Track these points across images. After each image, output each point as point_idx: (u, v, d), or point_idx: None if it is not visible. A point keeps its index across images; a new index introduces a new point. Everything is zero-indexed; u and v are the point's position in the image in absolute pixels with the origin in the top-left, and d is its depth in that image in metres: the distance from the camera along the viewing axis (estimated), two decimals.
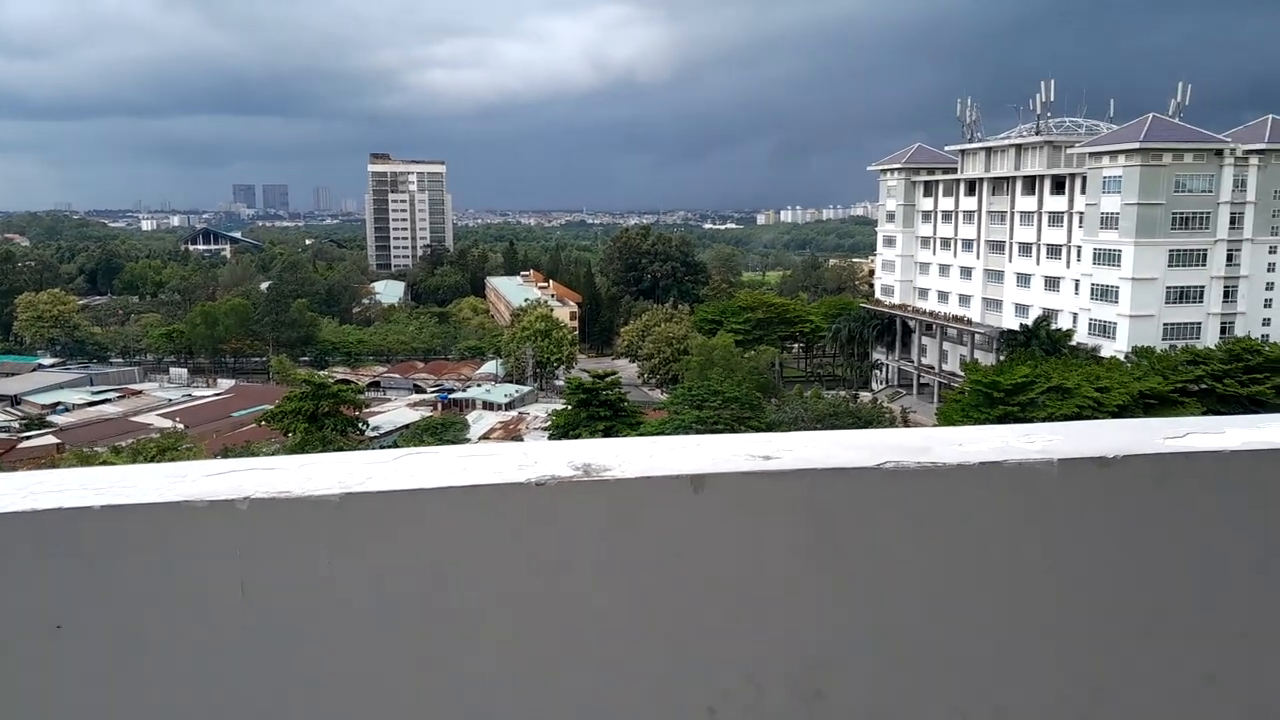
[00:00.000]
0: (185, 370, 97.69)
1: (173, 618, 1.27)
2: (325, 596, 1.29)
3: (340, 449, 46.12)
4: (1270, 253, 71.12)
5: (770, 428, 51.07)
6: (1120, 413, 50.15)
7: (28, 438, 60.24)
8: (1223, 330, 68.77)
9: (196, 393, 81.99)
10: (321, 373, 76.11)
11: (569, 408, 55.57)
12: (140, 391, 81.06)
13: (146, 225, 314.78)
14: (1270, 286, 71.37)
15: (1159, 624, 1.44)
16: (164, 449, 48.77)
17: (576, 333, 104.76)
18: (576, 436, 48.07)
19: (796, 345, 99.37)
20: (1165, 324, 68.92)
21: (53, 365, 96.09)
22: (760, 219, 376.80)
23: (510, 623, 1.32)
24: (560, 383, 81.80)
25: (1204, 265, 70.12)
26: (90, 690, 1.27)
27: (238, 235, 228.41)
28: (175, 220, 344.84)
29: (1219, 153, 70.04)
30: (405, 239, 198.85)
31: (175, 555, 1.26)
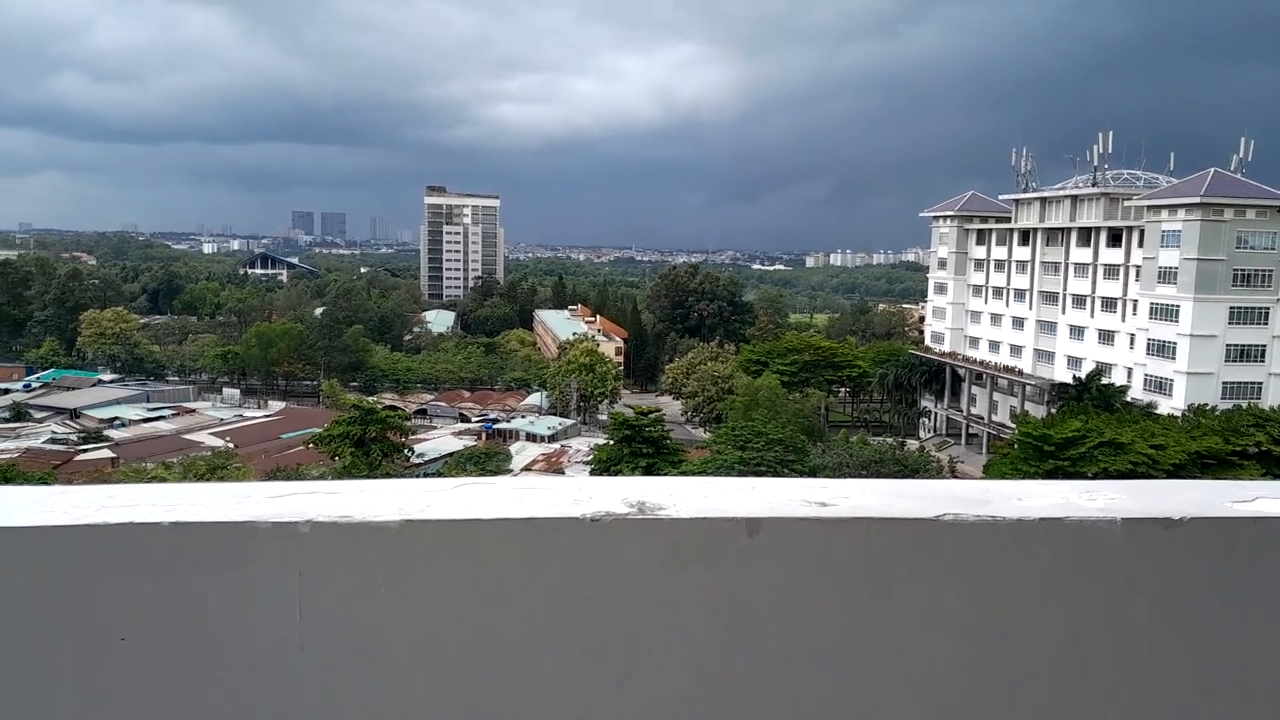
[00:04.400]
0: (238, 391, 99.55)
1: (233, 636, 1.29)
2: (381, 621, 1.30)
3: (386, 474, 46.62)
4: None
5: (814, 472, 50.57)
6: (1176, 472, 48.84)
7: (85, 450, 61.71)
8: None
9: (248, 413, 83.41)
10: (370, 398, 77.03)
11: (611, 443, 55.59)
12: (194, 410, 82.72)
13: (208, 248, 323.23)
14: None
15: (1219, 691, 1.40)
16: (214, 467, 49.65)
17: (621, 368, 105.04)
18: (618, 472, 48.05)
19: (843, 389, 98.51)
20: (1224, 382, 67.18)
21: (112, 381, 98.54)
22: (809, 261, 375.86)
23: (561, 656, 1.32)
24: (603, 417, 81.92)
25: (1266, 324, 68.39)
26: (150, 702, 1.30)
27: (295, 261, 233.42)
28: (235, 244, 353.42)
29: None
30: (457, 270, 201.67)
31: (238, 574, 1.29)
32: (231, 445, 61.52)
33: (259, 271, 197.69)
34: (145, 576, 1.28)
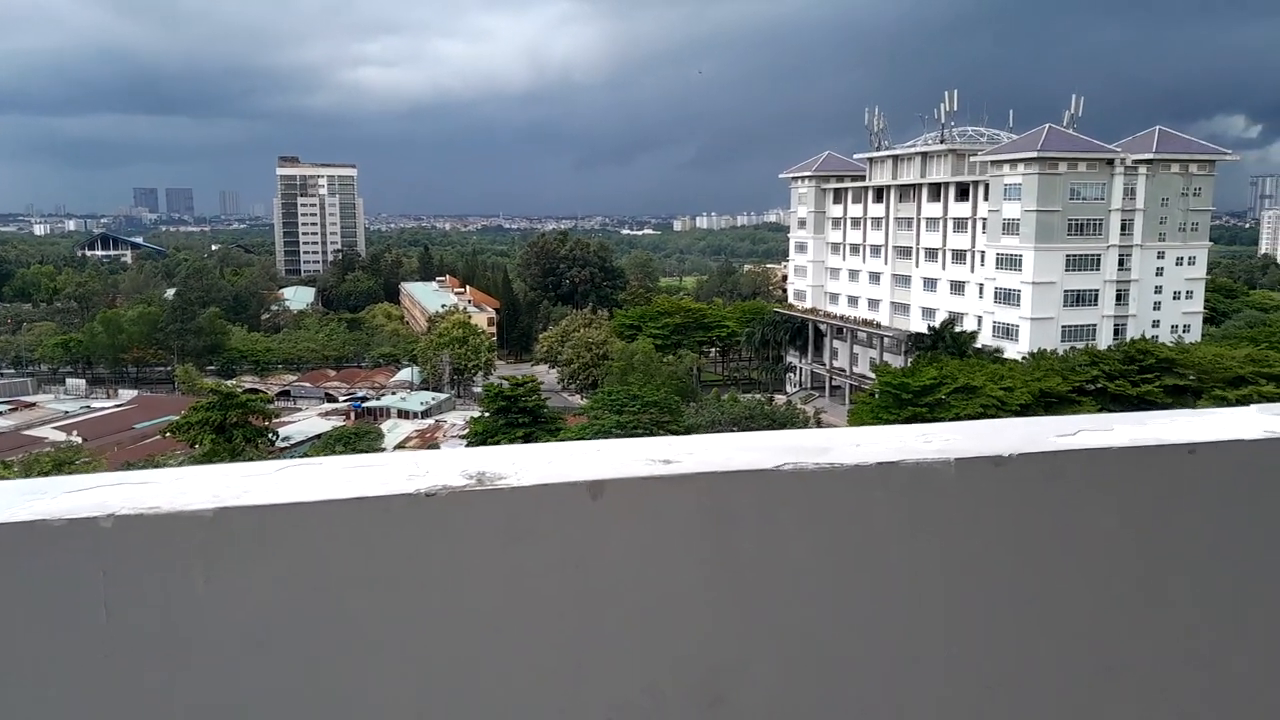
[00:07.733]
0: (83, 381, 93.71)
1: (30, 647, 1.18)
2: (200, 618, 1.21)
3: (250, 460, 44.90)
4: (1158, 258, 74.88)
5: (688, 431, 51.54)
6: (1022, 411, 52.10)
7: None
8: (1116, 332, 72.09)
9: (96, 404, 78.54)
10: (229, 382, 73.92)
11: (487, 415, 55.14)
12: (34, 404, 77.32)
13: (39, 230, 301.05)
14: (1158, 290, 75.10)
15: (1052, 619, 1.45)
16: (59, 463, 46.68)
17: (494, 339, 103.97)
18: (495, 444, 47.64)
19: (713, 349, 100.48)
20: (1064, 326, 71.92)
21: None
22: (677, 225, 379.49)
23: (401, 640, 1.26)
24: (478, 389, 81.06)
25: (1098, 270, 73.42)
26: None
27: (139, 240, 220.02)
28: (71, 224, 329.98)
29: (1110, 162, 73.46)
30: (315, 244, 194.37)
31: (30, 579, 1.17)
32: (79, 439, 57.87)
33: (99, 253, 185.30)
34: None
